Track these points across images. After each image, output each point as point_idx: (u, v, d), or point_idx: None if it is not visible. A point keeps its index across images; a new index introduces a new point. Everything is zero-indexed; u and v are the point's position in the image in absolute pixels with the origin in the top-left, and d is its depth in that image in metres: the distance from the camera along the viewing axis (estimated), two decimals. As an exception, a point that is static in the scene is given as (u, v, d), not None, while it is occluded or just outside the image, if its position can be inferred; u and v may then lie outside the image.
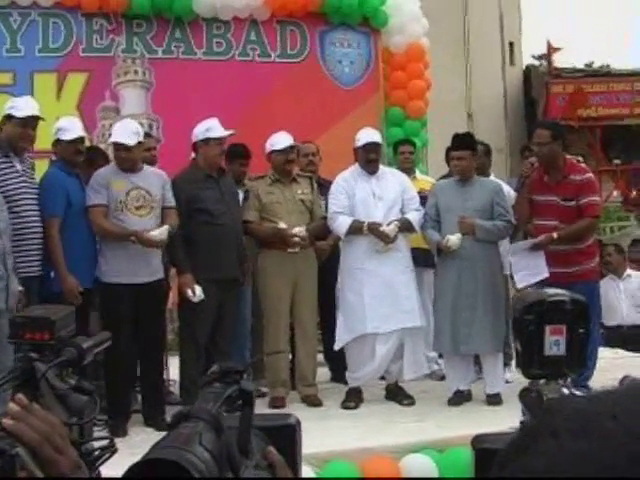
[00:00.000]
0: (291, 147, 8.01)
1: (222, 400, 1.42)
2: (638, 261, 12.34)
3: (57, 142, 7.20)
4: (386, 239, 7.63)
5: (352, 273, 7.77)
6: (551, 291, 2.24)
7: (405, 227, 7.80)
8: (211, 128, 7.53)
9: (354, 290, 7.75)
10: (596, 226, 7.54)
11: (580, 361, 2.18)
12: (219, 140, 7.55)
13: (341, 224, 7.74)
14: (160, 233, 7.04)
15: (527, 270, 7.56)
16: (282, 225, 7.76)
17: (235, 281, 7.62)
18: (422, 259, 8.17)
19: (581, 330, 2.17)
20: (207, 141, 7.50)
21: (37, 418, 1.40)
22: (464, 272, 7.64)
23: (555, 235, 7.50)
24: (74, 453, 1.44)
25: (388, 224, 7.65)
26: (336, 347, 7.89)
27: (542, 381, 2.13)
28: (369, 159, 7.90)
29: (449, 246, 7.60)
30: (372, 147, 7.90)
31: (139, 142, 7.22)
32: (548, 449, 0.75)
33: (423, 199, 8.06)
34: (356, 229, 7.69)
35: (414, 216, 7.84)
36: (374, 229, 7.64)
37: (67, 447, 1.42)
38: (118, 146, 7.21)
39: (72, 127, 7.25)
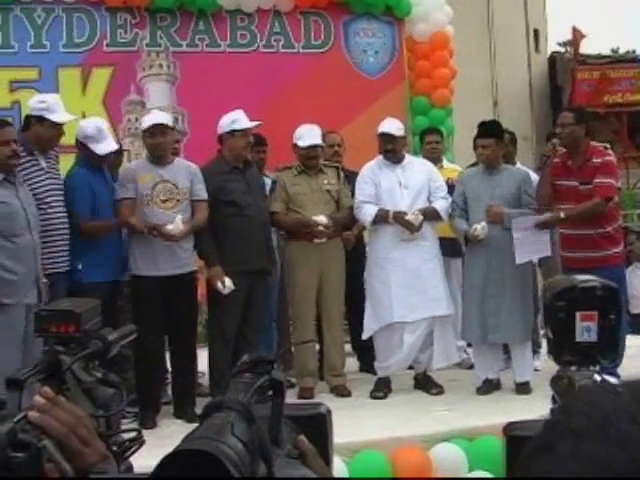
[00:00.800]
0: (314, 146, 7.97)
1: (253, 390, 1.42)
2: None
3: (84, 147, 7.19)
4: (411, 227, 7.61)
5: (379, 262, 7.77)
6: (582, 277, 2.22)
7: (432, 216, 7.78)
8: (236, 120, 7.53)
9: (381, 279, 7.74)
10: (606, 207, 7.46)
11: (612, 347, 2.17)
12: (244, 132, 7.53)
13: (366, 213, 7.73)
14: (174, 227, 7.03)
15: (530, 246, 7.50)
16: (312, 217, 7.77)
17: (263, 272, 7.63)
18: (449, 248, 8.14)
19: (612, 316, 2.15)
20: (232, 133, 7.49)
21: (63, 410, 1.40)
22: (492, 261, 7.61)
23: (562, 215, 7.45)
24: (101, 445, 1.44)
25: (413, 213, 7.62)
26: (364, 336, 7.88)
27: (573, 368, 2.12)
28: (386, 149, 7.91)
29: (476, 235, 7.56)
30: (387, 138, 7.89)
31: (169, 127, 7.32)
32: (567, 452, 0.76)
33: (451, 188, 8.04)
34: (381, 218, 7.68)
35: (441, 204, 7.81)
36: (399, 218, 7.62)
37: (94, 439, 1.42)
38: (152, 130, 7.24)
39: (103, 137, 7.23)
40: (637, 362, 7.90)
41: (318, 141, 7.99)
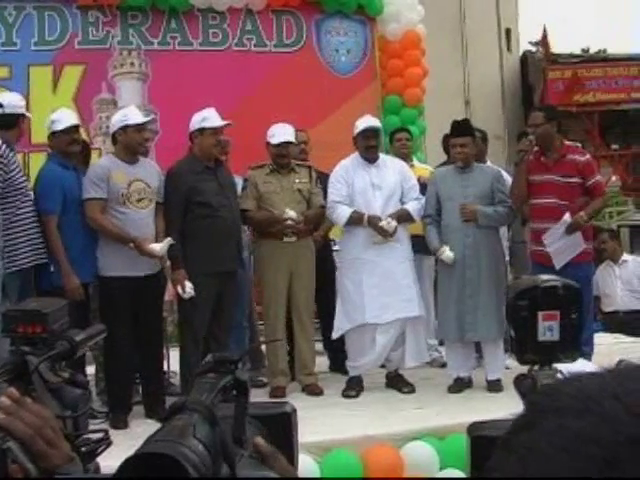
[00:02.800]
0: (286, 143, 7.97)
1: (217, 391, 1.42)
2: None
3: (52, 135, 7.18)
4: (385, 234, 7.62)
5: (351, 263, 7.77)
6: (544, 277, 2.25)
7: (405, 218, 7.79)
8: (207, 118, 7.50)
9: (353, 280, 7.74)
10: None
11: (574, 346, 2.19)
12: (214, 130, 7.50)
13: (340, 214, 7.72)
14: (162, 248, 7.01)
15: (567, 250, 7.57)
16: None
17: (233, 273, 7.61)
18: (422, 246, 8.11)
19: (573, 315, 2.18)
20: (202, 131, 7.46)
21: (29, 412, 1.40)
22: (468, 259, 7.63)
23: (583, 214, 7.54)
24: (67, 446, 1.44)
25: (387, 220, 7.62)
26: (334, 336, 7.89)
27: (536, 366, 2.14)
28: (368, 145, 7.86)
29: (442, 259, 7.61)
30: (371, 133, 7.88)
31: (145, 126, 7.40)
32: (551, 427, 0.76)
33: (421, 186, 8.05)
34: (355, 220, 7.68)
35: (413, 206, 7.82)
36: (373, 223, 7.63)
37: (59, 440, 1.42)
38: (139, 126, 7.23)
39: (65, 117, 7.24)
40: (608, 360, 7.94)
41: (290, 138, 7.99)
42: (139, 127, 7.21)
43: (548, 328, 2.16)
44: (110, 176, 7.08)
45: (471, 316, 7.59)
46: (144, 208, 7.14)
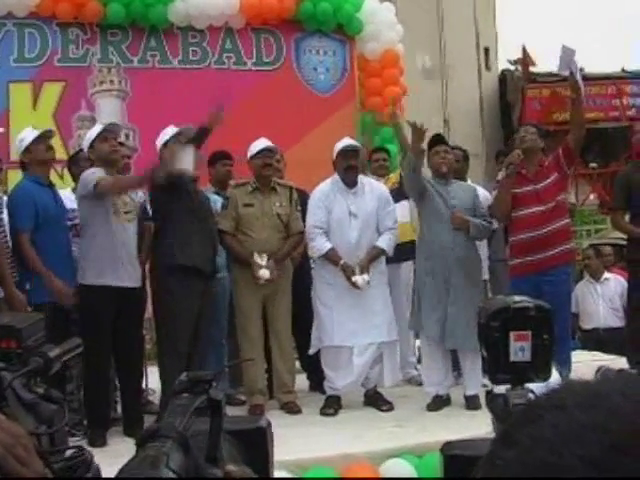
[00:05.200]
0: (267, 150, 7.95)
1: (190, 413, 1.41)
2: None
3: (27, 152, 7.13)
4: (356, 288, 7.62)
5: (324, 288, 7.77)
6: (516, 298, 2.27)
7: (379, 255, 7.82)
8: (168, 133, 7.51)
9: (325, 304, 7.74)
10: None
11: (545, 366, 2.21)
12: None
13: (317, 247, 7.71)
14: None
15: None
16: (256, 258, 7.68)
17: (213, 278, 7.59)
18: (395, 254, 8.05)
19: (545, 336, 2.20)
20: (165, 145, 7.46)
21: (0, 429, 1.39)
22: (454, 266, 7.59)
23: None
24: (39, 464, 1.43)
25: (361, 274, 7.61)
26: (310, 351, 7.89)
27: (508, 386, 2.16)
28: (349, 165, 7.81)
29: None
30: (351, 152, 7.85)
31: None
32: (556, 419, 0.77)
33: (397, 193, 8.13)
34: (331, 259, 7.67)
35: (387, 241, 7.78)
36: (347, 272, 7.58)
37: (32, 458, 1.41)
38: (101, 136, 7.13)
39: (29, 131, 7.17)
40: (587, 377, 7.95)
41: (270, 144, 7.99)
42: (102, 135, 7.15)
43: (520, 348, 2.18)
44: None
45: (452, 323, 7.54)
46: (130, 221, 7.11)
